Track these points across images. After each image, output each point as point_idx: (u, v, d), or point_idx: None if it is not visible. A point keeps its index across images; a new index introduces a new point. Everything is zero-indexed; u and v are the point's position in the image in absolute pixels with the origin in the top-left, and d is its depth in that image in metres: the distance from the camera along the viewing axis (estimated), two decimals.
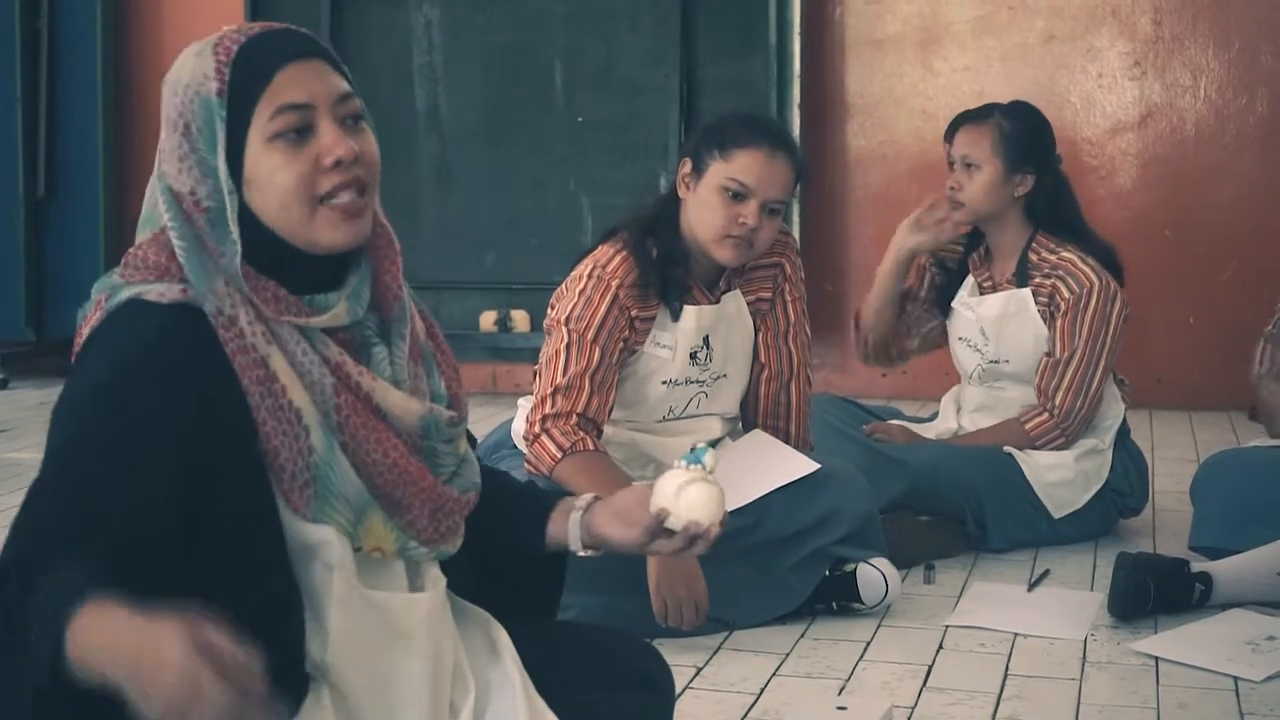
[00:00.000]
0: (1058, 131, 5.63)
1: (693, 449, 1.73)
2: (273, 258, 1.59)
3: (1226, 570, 3.17)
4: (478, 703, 1.70)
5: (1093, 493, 3.69)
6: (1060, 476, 3.66)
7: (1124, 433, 3.79)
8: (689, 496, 1.71)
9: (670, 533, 1.73)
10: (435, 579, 1.70)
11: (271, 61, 1.57)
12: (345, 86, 1.61)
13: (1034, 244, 3.68)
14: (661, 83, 5.78)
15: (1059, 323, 3.61)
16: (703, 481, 1.72)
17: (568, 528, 1.82)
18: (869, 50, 5.87)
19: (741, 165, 3.06)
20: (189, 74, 1.59)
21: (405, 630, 1.63)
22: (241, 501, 1.55)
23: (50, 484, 1.48)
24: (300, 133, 1.57)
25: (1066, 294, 3.60)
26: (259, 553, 1.56)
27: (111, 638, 1.31)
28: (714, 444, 3.23)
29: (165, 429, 1.50)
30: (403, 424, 1.64)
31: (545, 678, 1.74)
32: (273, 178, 1.56)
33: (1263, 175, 5.55)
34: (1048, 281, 3.64)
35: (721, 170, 3.08)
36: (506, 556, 1.84)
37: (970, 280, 3.80)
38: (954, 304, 3.83)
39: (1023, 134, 3.68)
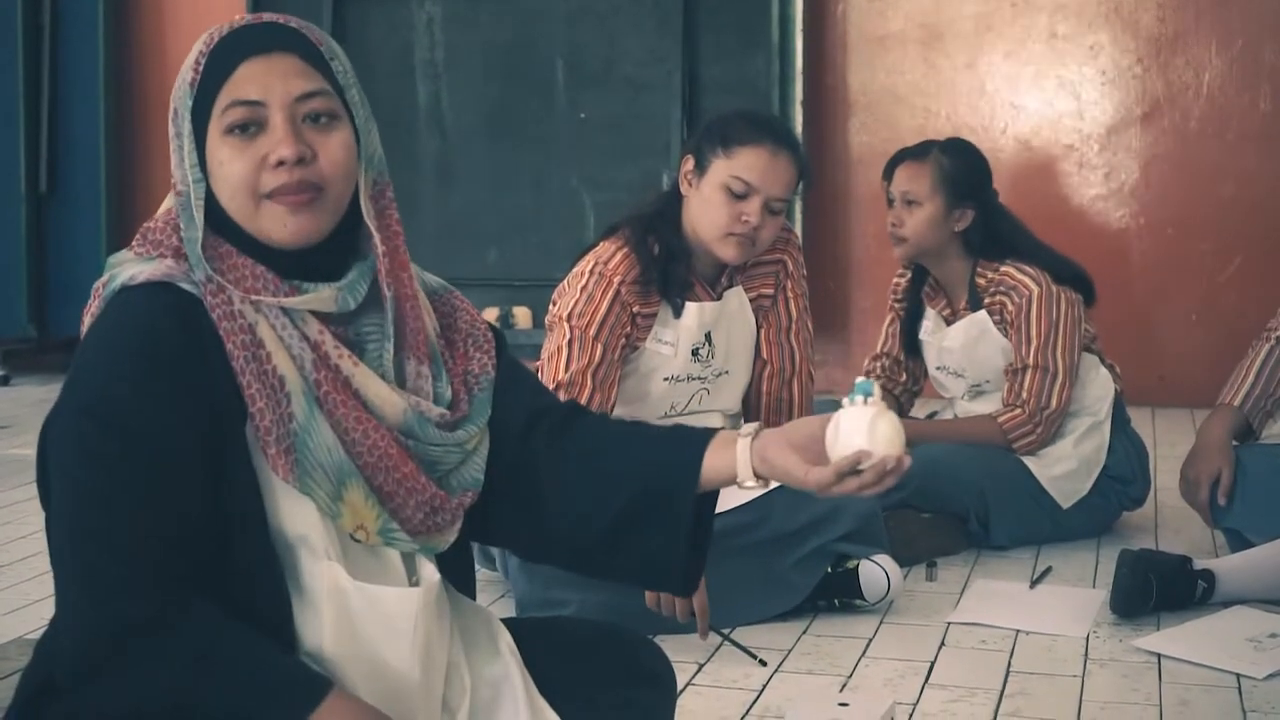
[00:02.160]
0: (1060, 128, 5.70)
1: (856, 384, 1.63)
2: (252, 243, 1.62)
3: (1229, 568, 3.17)
4: (476, 702, 1.70)
5: (1095, 476, 3.71)
6: (1065, 468, 3.68)
7: (1124, 420, 3.81)
8: (881, 432, 1.61)
9: (857, 472, 1.63)
10: (429, 575, 1.69)
11: (235, 55, 1.60)
12: (312, 85, 1.61)
13: (977, 270, 3.73)
14: (663, 80, 5.78)
15: (1011, 335, 3.67)
16: (885, 413, 1.63)
17: (735, 456, 1.70)
18: (871, 47, 5.87)
19: (745, 163, 3.06)
20: (186, 61, 1.63)
21: (397, 625, 1.62)
22: (231, 487, 1.57)
23: (94, 519, 1.53)
24: (250, 128, 1.59)
25: (1011, 306, 3.66)
26: (245, 542, 1.58)
27: None
28: None
29: (173, 428, 1.54)
30: (383, 415, 1.64)
31: (547, 674, 1.74)
32: (221, 170, 1.59)
33: (1265, 172, 5.54)
34: (996, 299, 3.70)
35: (724, 168, 3.08)
36: (639, 510, 1.72)
37: (931, 313, 3.85)
38: (921, 337, 3.89)
39: (961, 170, 3.73)
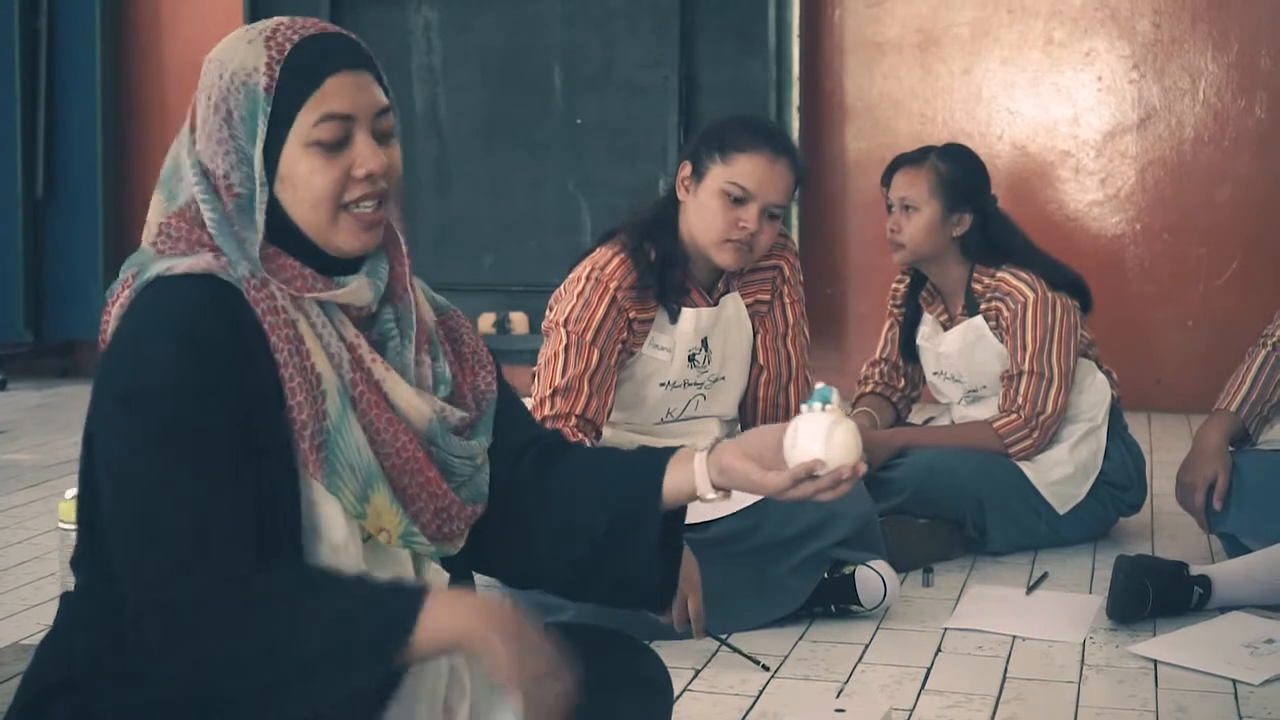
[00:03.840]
0: (1058, 134, 5.70)
1: (814, 390, 1.65)
2: (297, 244, 1.64)
3: (1225, 573, 3.17)
4: (475, 705, 1.70)
5: (1092, 481, 3.71)
6: (1062, 474, 3.69)
7: (1121, 426, 3.82)
8: (838, 440, 1.64)
9: (813, 476, 1.66)
10: (437, 574, 1.72)
11: (323, 67, 1.62)
12: (385, 101, 1.66)
13: (974, 276, 3.74)
14: (660, 85, 5.78)
15: (1007, 341, 3.67)
16: (843, 421, 1.65)
17: (693, 471, 1.74)
18: (868, 53, 5.87)
19: (742, 169, 3.06)
20: (237, 61, 1.62)
21: None
22: (269, 471, 1.58)
23: (165, 492, 1.52)
24: (339, 141, 1.62)
25: (1007, 313, 3.67)
26: (276, 526, 1.59)
27: (466, 618, 1.51)
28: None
29: (224, 404, 1.55)
30: (409, 421, 1.66)
31: None
32: (309, 179, 1.61)
33: (1261, 178, 5.55)
34: (992, 304, 3.70)
35: (722, 174, 3.08)
36: (611, 536, 1.75)
37: (929, 318, 3.86)
38: (919, 342, 3.90)
39: (959, 175, 3.73)
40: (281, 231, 1.63)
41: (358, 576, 1.58)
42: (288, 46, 1.62)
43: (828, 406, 1.65)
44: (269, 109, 1.60)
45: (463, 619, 1.52)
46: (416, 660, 1.54)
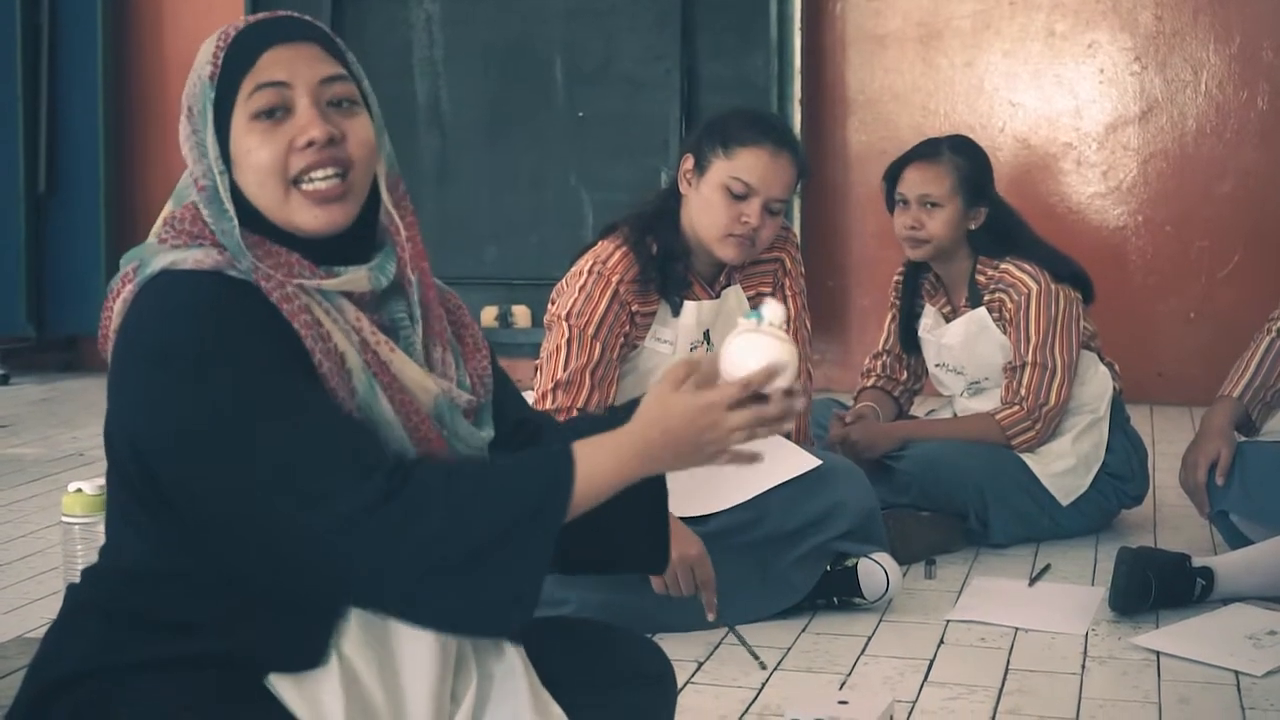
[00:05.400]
0: (1059, 126, 5.70)
1: (755, 307, 1.63)
2: (279, 233, 1.63)
3: (1228, 565, 3.18)
4: (479, 693, 1.71)
5: (1094, 472, 3.71)
6: (1064, 465, 3.69)
7: (1123, 418, 3.82)
8: (766, 349, 1.62)
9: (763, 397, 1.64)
10: None
11: (258, 44, 1.62)
12: (335, 70, 1.64)
13: (978, 268, 3.74)
14: (662, 78, 5.78)
15: (1010, 332, 3.67)
16: (757, 334, 1.61)
17: None
18: (870, 46, 5.87)
19: (745, 164, 3.06)
20: (197, 62, 1.64)
21: None
22: None
23: (280, 425, 1.51)
24: (276, 112, 1.61)
25: (1010, 304, 3.67)
26: None
27: (616, 458, 1.57)
28: None
29: (275, 359, 1.55)
30: (418, 400, 1.66)
31: (547, 673, 1.74)
32: (249, 156, 1.61)
33: (1263, 170, 5.55)
34: (995, 296, 3.70)
35: (725, 168, 3.08)
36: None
37: (931, 309, 3.86)
38: (920, 334, 3.90)
39: (975, 170, 3.74)
40: (261, 221, 1.62)
41: (503, 458, 1.63)
42: (232, 34, 1.63)
43: (762, 325, 1.61)
44: (213, 94, 1.61)
45: (614, 460, 1.57)
46: (587, 509, 1.57)
